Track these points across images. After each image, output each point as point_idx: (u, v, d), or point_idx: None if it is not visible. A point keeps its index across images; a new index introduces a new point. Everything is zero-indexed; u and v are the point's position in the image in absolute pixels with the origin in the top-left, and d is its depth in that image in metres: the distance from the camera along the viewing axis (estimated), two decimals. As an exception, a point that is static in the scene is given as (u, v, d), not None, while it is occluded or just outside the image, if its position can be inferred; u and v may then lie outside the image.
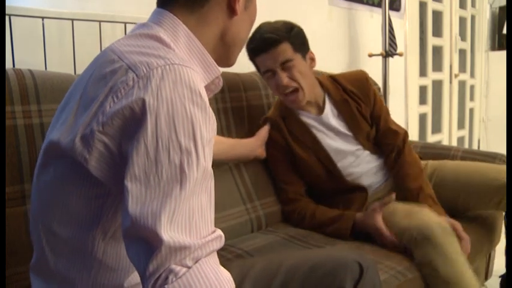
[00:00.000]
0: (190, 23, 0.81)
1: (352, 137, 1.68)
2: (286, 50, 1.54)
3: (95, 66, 0.75)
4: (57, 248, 0.77)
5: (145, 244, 0.62)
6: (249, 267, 1.02)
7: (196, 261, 0.63)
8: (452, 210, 1.63)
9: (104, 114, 0.67)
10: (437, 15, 3.65)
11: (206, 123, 0.67)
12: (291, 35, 1.56)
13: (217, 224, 1.52)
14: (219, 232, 0.68)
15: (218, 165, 1.62)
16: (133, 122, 0.65)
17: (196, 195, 0.65)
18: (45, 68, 1.44)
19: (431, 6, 3.51)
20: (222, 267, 0.67)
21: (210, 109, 0.69)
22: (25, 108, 1.18)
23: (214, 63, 0.83)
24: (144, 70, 0.67)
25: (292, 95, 1.57)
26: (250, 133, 1.72)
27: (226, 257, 1.38)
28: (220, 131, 1.66)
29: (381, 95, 2.38)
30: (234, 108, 1.72)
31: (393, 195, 1.43)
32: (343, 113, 1.68)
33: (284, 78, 1.54)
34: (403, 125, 1.95)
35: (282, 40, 1.54)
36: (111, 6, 1.61)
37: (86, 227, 0.74)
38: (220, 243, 0.67)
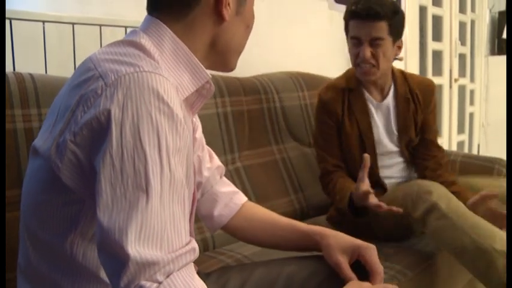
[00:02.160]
0: (177, 31, 0.79)
1: (396, 137, 1.69)
2: (382, 28, 1.54)
3: (76, 74, 0.75)
4: (41, 251, 0.77)
5: (115, 259, 0.61)
6: (249, 273, 1.02)
7: (167, 276, 0.62)
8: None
9: (76, 123, 0.67)
10: (437, 20, 3.65)
11: (173, 131, 0.66)
12: (394, 18, 1.55)
13: (216, 228, 1.53)
14: (194, 244, 0.67)
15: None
16: (100, 132, 0.65)
17: (167, 206, 0.64)
18: (46, 72, 1.44)
19: (431, 10, 3.52)
20: (197, 278, 0.65)
21: (180, 117, 0.68)
22: (25, 112, 1.18)
23: (203, 68, 0.80)
24: (113, 78, 0.66)
25: (367, 67, 1.58)
26: (251, 137, 1.72)
27: (225, 261, 1.38)
28: (220, 136, 1.66)
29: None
30: (234, 112, 1.72)
31: (367, 156, 1.41)
32: (400, 110, 1.68)
33: (368, 52, 1.55)
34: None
35: (384, 18, 1.53)
36: (112, 10, 1.62)
37: (64, 231, 0.73)
38: (194, 256, 0.66)
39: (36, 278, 0.79)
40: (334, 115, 1.65)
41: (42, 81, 1.24)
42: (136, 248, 0.60)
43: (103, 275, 0.75)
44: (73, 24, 1.49)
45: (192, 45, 0.80)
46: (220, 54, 0.86)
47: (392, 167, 1.70)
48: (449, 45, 3.73)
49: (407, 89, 1.70)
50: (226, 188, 1.10)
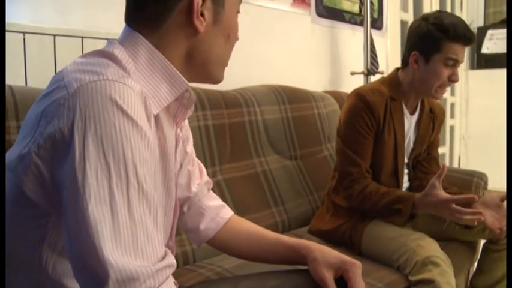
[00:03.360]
0: (153, 43, 0.78)
1: (411, 150, 1.76)
2: None
3: (47, 86, 0.74)
4: (12, 264, 0.76)
5: (93, 278, 0.60)
6: (231, 287, 1.01)
7: None
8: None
9: (41, 135, 0.66)
10: (418, 34, 3.69)
11: (138, 142, 0.65)
12: None
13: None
14: (171, 258, 0.66)
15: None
16: (63, 145, 0.63)
17: (138, 219, 0.63)
18: (26, 84, 1.43)
19: (412, 25, 3.57)
20: None
21: (145, 127, 0.67)
22: (3, 125, 1.17)
23: (181, 76, 0.79)
24: (75, 86, 0.65)
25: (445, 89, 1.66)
26: (232, 150, 1.72)
27: (205, 275, 1.37)
28: (201, 149, 1.66)
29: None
30: (216, 125, 1.72)
31: (445, 165, 1.45)
32: (422, 125, 1.75)
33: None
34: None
35: None
36: (94, 22, 1.61)
37: (33, 244, 0.72)
38: (172, 270, 0.66)
39: None
40: (377, 119, 1.63)
41: (21, 94, 1.23)
42: (114, 257, 0.59)
43: (72, 285, 0.75)
44: (54, 35, 1.49)
45: (168, 56, 0.79)
46: (200, 66, 0.83)
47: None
48: (430, 59, 3.77)
49: (429, 106, 1.77)
50: (214, 201, 1.09)
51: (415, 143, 1.76)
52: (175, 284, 0.96)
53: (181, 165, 1.03)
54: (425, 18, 1.62)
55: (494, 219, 1.50)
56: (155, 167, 0.79)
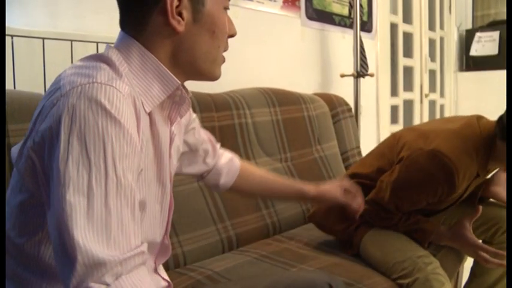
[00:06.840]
0: (143, 44, 0.82)
1: None
2: None
3: (50, 85, 0.79)
4: (14, 252, 0.79)
5: (65, 259, 0.63)
6: None
7: (117, 278, 0.63)
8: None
9: (36, 132, 0.71)
10: (408, 37, 3.74)
11: (120, 138, 0.68)
12: None
13: (187, 244, 1.52)
14: (142, 248, 0.68)
15: (188, 184, 1.62)
16: (52, 140, 0.68)
17: (114, 211, 0.66)
18: (14, 87, 1.43)
19: (401, 28, 3.60)
20: (147, 282, 0.67)
21: (127, 127, 0.70)
22: (-8, 128, 1.17)
23: (171, 75, 0.82)
24: (67, 88, 0.70)
25: None
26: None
27: (196, 278, 1.37)
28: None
29: (352, 115, 2.42)
30: (206, 128, 1.70)
31: (480, 208, 1.40)
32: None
33: None
34: (374, 145, 1.98)
35: None
36: (83, 26, 1.61)
37: (32, 232, 0.77)
38: (142, 258, 0.68)
39: (16, 278, 0.80)
40: (452, 194, 1.46)
41: (10, 97, 1.22)
42: (83, 241, 0.62)
43: None
44: (43, 39, 1.48)
45: (157, 57, 0.82)
46: (188, 64, 0.85)
47: None
48: (419, 62, 3.81)
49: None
50: (224, 158, 1.26)
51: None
52: (170, 286, 0.96)
53: (196, 149, 1.17)
54: None
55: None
56: (148, 163, 0.83)
